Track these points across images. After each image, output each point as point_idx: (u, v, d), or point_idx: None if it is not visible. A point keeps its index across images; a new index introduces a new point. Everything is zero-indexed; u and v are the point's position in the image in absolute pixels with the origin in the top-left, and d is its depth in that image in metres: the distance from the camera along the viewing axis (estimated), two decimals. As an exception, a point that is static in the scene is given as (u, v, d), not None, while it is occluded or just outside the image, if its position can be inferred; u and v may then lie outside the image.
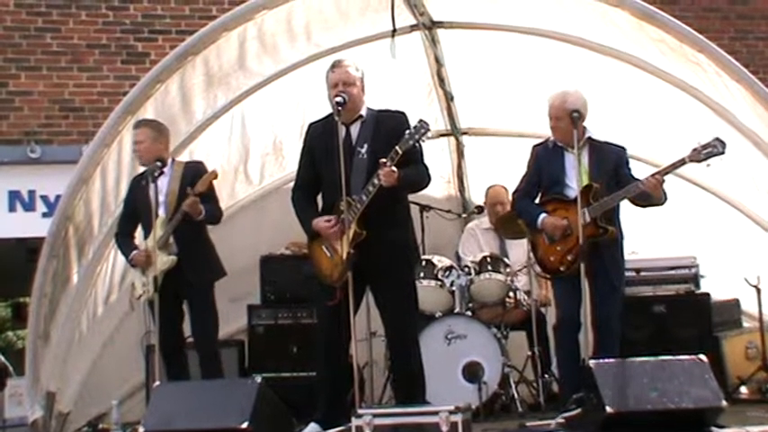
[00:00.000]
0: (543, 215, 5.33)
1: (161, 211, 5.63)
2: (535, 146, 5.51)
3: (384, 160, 4.63)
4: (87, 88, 9.20)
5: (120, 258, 6.25)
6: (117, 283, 6.67)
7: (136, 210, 5.75)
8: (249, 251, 6.77)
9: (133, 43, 9.28)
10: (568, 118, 5.21)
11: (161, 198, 5.63)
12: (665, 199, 5.21)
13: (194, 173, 5.69)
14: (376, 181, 4.63)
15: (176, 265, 5.58)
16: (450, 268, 6.22)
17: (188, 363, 5.65)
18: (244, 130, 6.99)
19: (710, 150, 5.00)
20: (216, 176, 5.65)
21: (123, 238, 5.86)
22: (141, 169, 5.86)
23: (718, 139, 5.01)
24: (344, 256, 4.70)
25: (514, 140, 7.28)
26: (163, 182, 5.67)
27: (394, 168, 4.61)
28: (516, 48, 6.80)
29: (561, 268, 5.25)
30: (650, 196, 5.15)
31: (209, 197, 5.68)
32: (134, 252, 5.72)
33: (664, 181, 5.10)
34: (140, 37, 9.31)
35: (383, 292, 4.84)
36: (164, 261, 5.60)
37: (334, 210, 4.79)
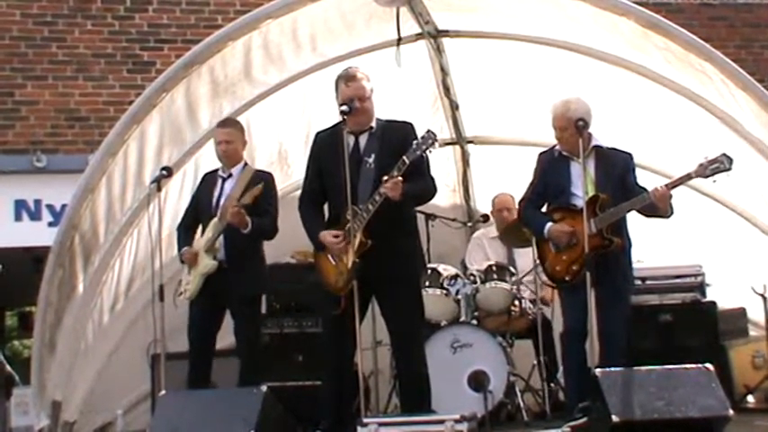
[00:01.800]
0: (549, 224, 5.32)
1: (218, 213, 5.56)
2: (541, 154, 5.51)
3: (387, 178, 4.62)
4: (93, 97, 9.25)
5: (126, 268, 6.31)
6: (123, 292, 6.70)
7: (198, 206, 5.67)
8: None
9: (139, 52, 9.33)
10: (573, 127, 5.19)
11: (222, 201, 5.58)
12: (671, 212, 5.20)
13: (260, 182, 5.54)
14: (382, 191, 4.63)
15: (222, 272, 5.46)
16: (455, 277, 6.22)
17: (211, 372, 5.56)
18: (249, 139, 6.73)
19: (717, 166, 4.99)
20: (261, 191, 5.45)
21: (183, 232, 5.72)
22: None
23: (725, 154, 4.99)
24: (350, 265, 4.70)
25: (520, 149, 7.28)
26: (228, 185, 5.63)
27: (400, 179, 4.61)
28: (521, 56, 6.81)
29: (567, 278, 5.25)
30: (657, 208, 5.12)
31: (264, 210, 5.52)
32: (185, 249, 5.60)
33: (671, 195, 5.09)
34: (146, 46, 9.36)
35: (389, 301, 4.82)
36: (206, 264, 5.51)
37: (340, 219, 4.78)
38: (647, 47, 6.10)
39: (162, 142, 6.46)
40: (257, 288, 5.68)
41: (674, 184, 5.11)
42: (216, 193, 5.61)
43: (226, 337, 5.75)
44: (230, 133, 5.73)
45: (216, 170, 5.75)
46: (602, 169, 5.28)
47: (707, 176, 5.01)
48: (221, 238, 5.50)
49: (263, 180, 5.58)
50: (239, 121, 5.96)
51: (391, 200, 4.63)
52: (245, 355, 5.51)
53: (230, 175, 5.65)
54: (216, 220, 5.54)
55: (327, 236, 4.80)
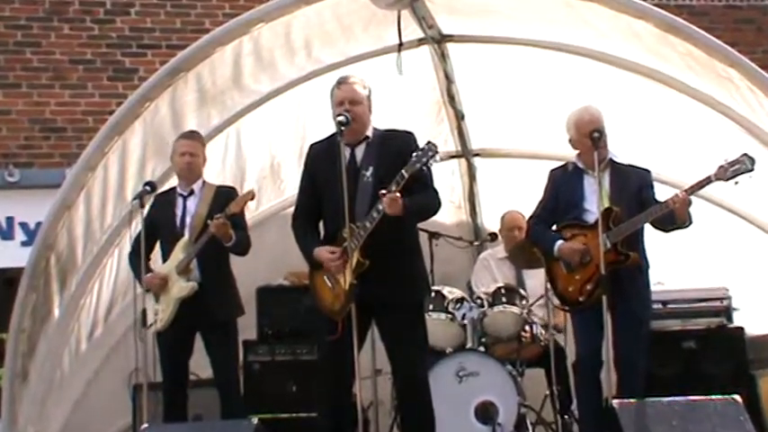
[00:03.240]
0: (560, 241, 5.35)
1: (186, 234, 5.64)
2: (553, 170, 5.55)
3: (383, 191, 4.64)
4: (70, 107, 9.30)
5: (106, 291, 6.33)
6: (102, 317, 6.70)
7: (155, 229, 5.68)
8: (244, 282, 6.43)
9: (120, 59, 9.37)
10: (587, 138, 5.24)
11: (187, 220, 5.65)
12: (690, 221, 5.21)
13: (227, 197, 5.65)
14: (380, 207, 4.63)
15: (196, 296, 5.54)
16: (461, 300, 6.24)
17: (188, 403, 5.65)
18: (239, 151, 7.02)
19: (738, 167, 5.00)
20: (253, 197, 5.62)
21: (138, 259, 5.72)
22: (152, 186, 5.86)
23: (746, 154, 5.01)
24: (347, 287, 4.70)
25: (530, 162, 7.32)
26: (191, 202, 5.70)
27: (398, 195, 4.61)
28: (532, 63, 6.82)
29: (581, 299, 5.27)
30: (675, 218, 5.14)
31: (239, 224, 5.62)
32: (148, 275, 5.61)
33: (691, 202, 5.11)
34: (128, 52, 9.41)
35: (389, 327, 4.83)
36: (182, 287, 5.57)
37: (336, 238, 4.79)
38: (667, 52, 6.13)
39: (145, 155, 6.46)
40: (234, 311, 5.74)
41: (693, 189, 5.13)
42: (178, 213, 5.67)
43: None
44: (194, 146, 5.80)
45: (170, 189, 5.77)
46: (618, 183, 5.32)
47: (728, 179, 5.02)
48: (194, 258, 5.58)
49: (230, 194, 5.68)
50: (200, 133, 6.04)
51: (390, 216, 4.63)
52: (224, 384, 5.60)
53: (192, 192, 5.73)
54: (186, 239, 5.60)
55: (323, 252, 4.80)
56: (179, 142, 5.83)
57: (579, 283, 5.27)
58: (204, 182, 5.83)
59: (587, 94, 6.15)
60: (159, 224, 5.70)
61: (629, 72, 6.54)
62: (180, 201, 5.73)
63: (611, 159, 5.36)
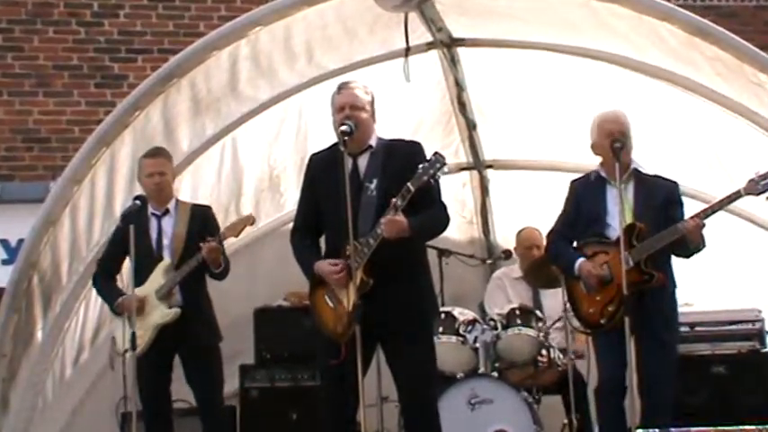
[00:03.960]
0: (581, 260, 5.34)
1: (165, 256, 5.69)
2: (573, 181, 5.55)
3: (393, 199, 4.62)
4: (55, 116, 9.33)
5: (93, 313, 6.34)
6: (88, 341, 6.70)
7: (127, 250, 5.64)
8: (241, 303, 6.81)
9: (108, 64, 9.39)
10: (609, 147, 5.25)
11: (165, 241, 5.70)
12: (704, 245, 5.24)
13: (204, 217, 5.78)
14: (379, 230, 4.63)
15: (176, 320, 5.59)
16: (473, 322, 6.23)
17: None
18: (236, 163, 7.02)
19: None
20: (252, 222, 5.72)
21: (106, 281, 5.82)
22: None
23: None
24: (350, 307, 4.67)
25: (547, 175, 7.35)
26: (166, 223, 5.76)
27: (398, 217, 4.60)
28: (548, 68, 6.82)
29: (602, 321, 5.26)
30: (688, 243, 5.16)
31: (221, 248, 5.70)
32: (122, 297, 5.64)
33: (704, 225, 5.12)
34: (117, 57, 9.42)
35: (396, 350, 4.81)
36: (164, 314, 5.60)
37: (338, 255, 4.77)
38: (694, 56, 6.12)
39: (134, 168, 6.27)
40: (216, 337, 5.79)
41: (720, 206, 5.15)
42: (153, 234, 5.71)
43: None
44: (161, 164, 5.82)
45: (139, 208, 5.74)
46: (642, 196, 5.32)
47: (759, 194, 5.04)
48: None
49: (206, 214, 5.82)
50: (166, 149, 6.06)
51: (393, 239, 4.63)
52: (208, 412, 5.67)
53: (167, 212, 5.78)
54: (168, 263, 5.65)
55: (324, 265, 4.79)
56: (144, 162, 5.86)
57: (600, 304, 5.26)
58: (177, 200, 5.90)
59: (608, 101, 6.14)
60: (129, 246, 5.63)
61: (653, 78, 6.55)
62: (154, 221, 5.77)
63: (635, 169, 5.36)
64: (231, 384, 6.59)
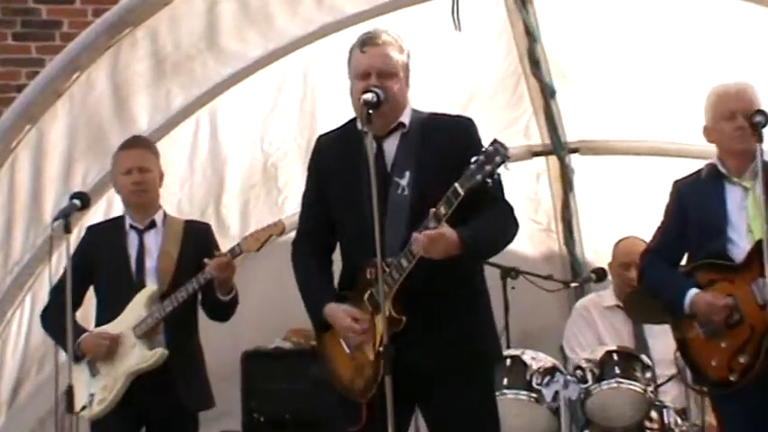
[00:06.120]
0: (693, 290, 5.20)
1: (148, 282, 5.70)
2: (677, 181, 5.48)
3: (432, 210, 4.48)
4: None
5: (11, 360, 6.39)
6: (5, 401, 6.63)
7: (91, 274, 5.70)
8: (224, 343, 6.72)
9: (33, 6, 9.06)
10: (743, 125, 5.10)
11: (148, 263, 5.74)
12: None
13: (202, 235, 5.85)
14: (414, 249, 4.48)
15: (156, 371, 5.56)
16: (551, 371, 6.13)
17: None
18: (216, 145, 7.03)
19: None
20: (282, 231, 5.67)
21: (62, 316, 5.48)
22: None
23: None
24: (372, 356, 4.59)
25: (656, 162, 7.30)
26: (150, 239, 5.79)
27: (443, 230, 4.42)
28: (656, 10, 6.70)
29: (731, 378, 5.14)
30: None
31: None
32: (85, 335, 5.64)
33: None
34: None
35: (441, 413, 4.71)
36: (143, 356, 5.58)
37: (357, 278, 4.68)
38: None
39: (72, 153, 6.46)
40: (207, 400, 5.78)
41: None
42: (132, 253, 5.72)
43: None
44: (143, 157, 5.79)
45: (115, 218, 5.86)
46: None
47: None
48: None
49: (206, 232, 5.89)
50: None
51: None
52: None
53: (153, 224, 5.77)
54: (152, 290, 5.64)
55: (341, 314, 4.67)
56: (120, 155, 5.85)
57: (727, 353, 5.14)
58: (164, 212, 5.94)
59: (737, 64, 6.15)
60: (99, 267, 5.73)
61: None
62: (134, 235, 5.77)
63: (764, 162, 5.20)
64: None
